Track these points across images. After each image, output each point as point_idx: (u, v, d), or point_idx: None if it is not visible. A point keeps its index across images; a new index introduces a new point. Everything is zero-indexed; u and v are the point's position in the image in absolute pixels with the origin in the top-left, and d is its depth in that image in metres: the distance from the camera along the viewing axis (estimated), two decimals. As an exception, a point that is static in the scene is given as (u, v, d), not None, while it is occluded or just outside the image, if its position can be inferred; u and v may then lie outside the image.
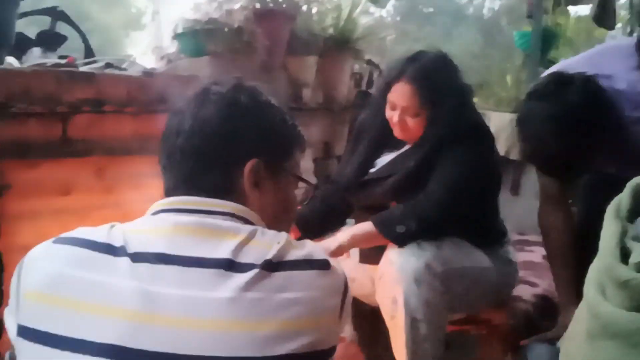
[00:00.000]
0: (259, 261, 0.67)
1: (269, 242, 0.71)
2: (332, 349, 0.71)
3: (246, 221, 0.75)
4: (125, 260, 0.66)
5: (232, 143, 0.77)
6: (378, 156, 1.64)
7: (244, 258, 0.68)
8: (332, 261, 0.74)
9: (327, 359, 0.70)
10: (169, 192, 0.78)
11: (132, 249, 0.67)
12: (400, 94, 1.48)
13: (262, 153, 0.78)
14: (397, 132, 1.54)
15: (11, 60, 1.61)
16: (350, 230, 1.48)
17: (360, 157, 1.65)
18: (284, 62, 2.16)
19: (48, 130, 1.39)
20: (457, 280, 1.41)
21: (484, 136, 1.55)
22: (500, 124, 2.47)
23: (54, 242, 0.70)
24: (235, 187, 0.77)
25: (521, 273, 1.67)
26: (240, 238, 0.70)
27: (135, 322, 0.62)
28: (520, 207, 2.57)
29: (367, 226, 1.45)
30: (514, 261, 1.62)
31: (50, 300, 0.65)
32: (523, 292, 1.67)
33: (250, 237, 0.70)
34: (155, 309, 0.63)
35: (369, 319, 1.70)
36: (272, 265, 0.67)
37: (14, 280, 0.69)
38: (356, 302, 1.71)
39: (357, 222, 1.65)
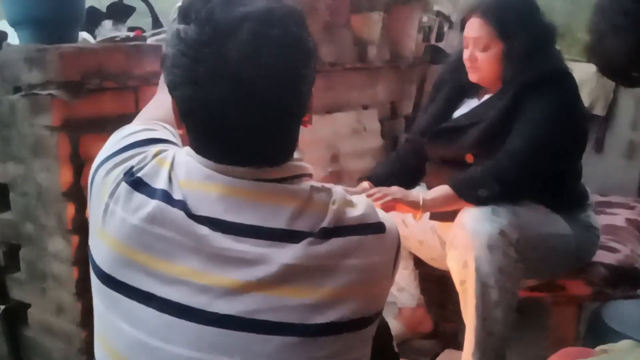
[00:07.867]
0: (315, 229, 0.67)
1: (323, 204, 0.70)
2: (380, 312, 0.74)
3: (301, 176, 0.73)
4: (187, 219, 0.67)
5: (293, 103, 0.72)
6: (457, 106, 1.59)
7: (299, 226, 0.68)
8: (385, 218, 0.74)
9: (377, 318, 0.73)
10: (220, 160, 0.72)
11: (191, 208, 0.68)
12: (471, 28, 1.46)
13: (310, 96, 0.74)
14: (469, 72, 1.49)
15: (85, 35, 1.66)
16: (431, 192, 1.45)
17: (439, 105, 1.62)
18: (347, 20, 2.10)
19: (121, 105, 1.43)
20: (533, 248, 1.37)
21: (568, 83, 1.45)
22: (584, 75, 2.27)
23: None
24: (294, 142, 0.74)
25: (601, 238, 1.58)
26: (295, 204, 0.69)
27: (196, 283, 0.65)
28: (604, 166, 2.41)
29: (446, 189, 1.42)
30: (595, 227, 1.54)
31: (126, 252, 0.68)
32: (602, 258, 1.58)
33: (306, 201, 0.70)
34: (214, 271, 0.66)
35: (436, 283, 1.69)
36: (327, 232, 0.68)
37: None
38: (424, 266, 1.70)
39: (428, 180, 1.62)
